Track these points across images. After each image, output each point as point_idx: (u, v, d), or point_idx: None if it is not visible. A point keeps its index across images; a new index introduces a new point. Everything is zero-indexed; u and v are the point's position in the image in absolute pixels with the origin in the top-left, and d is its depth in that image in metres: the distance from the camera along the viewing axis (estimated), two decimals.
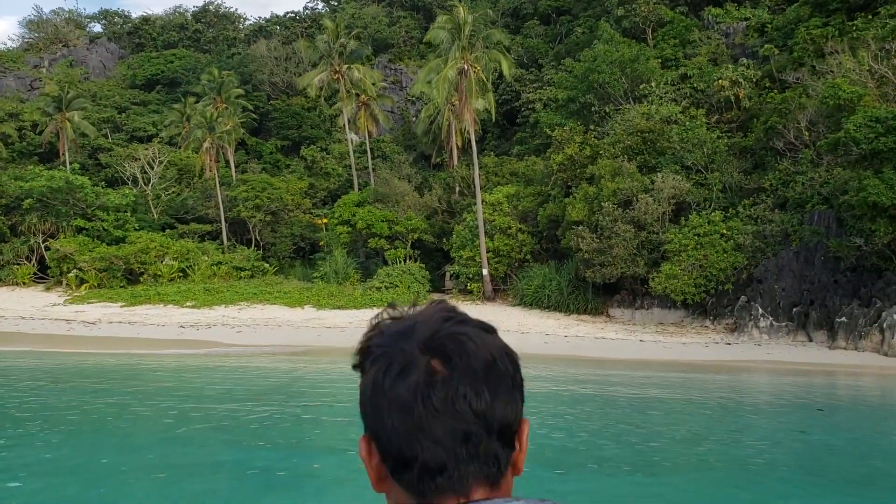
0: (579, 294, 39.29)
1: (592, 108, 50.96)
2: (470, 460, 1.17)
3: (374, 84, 59.58)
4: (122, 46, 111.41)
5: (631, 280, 38.21)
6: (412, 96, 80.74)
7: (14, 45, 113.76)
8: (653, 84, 49.48)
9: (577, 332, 34.19)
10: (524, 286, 41.69)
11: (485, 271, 44.03)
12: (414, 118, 72.40)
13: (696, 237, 35.36)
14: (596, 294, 39.21)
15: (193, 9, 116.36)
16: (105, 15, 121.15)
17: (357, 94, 61.21)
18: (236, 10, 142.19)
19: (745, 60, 49.25)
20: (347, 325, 36.97)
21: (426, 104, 60.51)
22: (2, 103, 76.79)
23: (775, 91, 44.39)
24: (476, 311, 35.39)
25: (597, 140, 43.90)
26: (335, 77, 54.16)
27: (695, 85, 49.66)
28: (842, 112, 35.44)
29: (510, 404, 1.21)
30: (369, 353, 1.25)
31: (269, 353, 29.71)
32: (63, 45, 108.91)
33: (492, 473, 1.19)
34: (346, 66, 54.26)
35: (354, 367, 1.27)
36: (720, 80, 47.01)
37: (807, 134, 37.85)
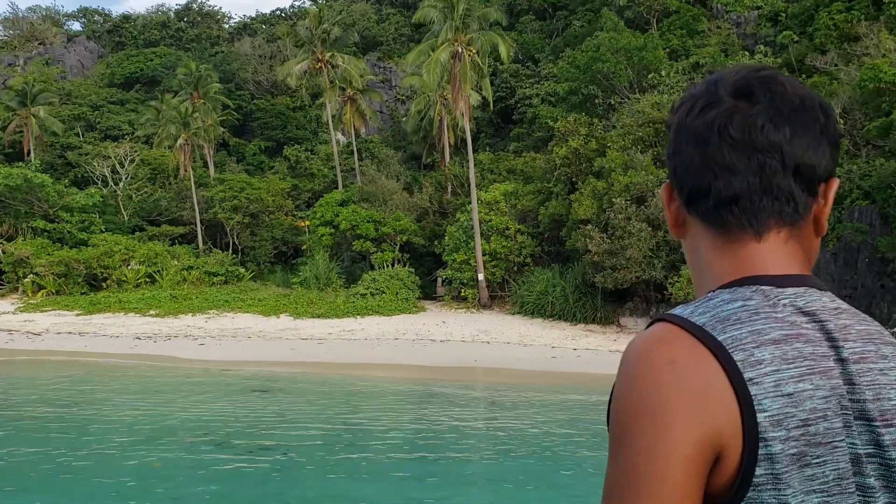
0: (587, 301, 35.13)
1: (597, 100, 47.02)
2: (763, 193, 1.17)
3: (361, 76, 55.38)
4: (102, 45, 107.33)
5: (644, 286, 34.12)
6: (401, 95, 76.84)
7: None
8: (662, 73, 45.57)
9: (586, 344, 30.01)
10: (524, 292, 37.51)
11: (480, 276, 39.85)
12: (404, 117, 68.36)
13: None
14: (605, 301, 35.08)
15: (176, 7, 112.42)
16: (85, 13, 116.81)
17: (343, 88, 57.13)
18: (220, 8, 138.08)
19: (762, 47, 45.40)
20: (326, 336, 32.75)
21: (417, 98, 56.46)
22: None
23: (801, 79, 40.49)
24: (471, 320, 30.92)
25: (604, 132, 39.89)
26: (317, 66, 49.91)
27: (707, 75, 45.79)
28: (882, 97, 31.56)
29: (814, 148, 1.18)
30: (682, 103, 1.27)
31: (223, 369, 25.45)
32: (39, 44, 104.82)
33: (786, 212, 1.19)
34: (328, 54, 50.02)
35: (667, 126, 1.29)
36: None
37: (841, 122, 33.87)
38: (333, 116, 57.42)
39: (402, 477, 12.40)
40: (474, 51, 38.21)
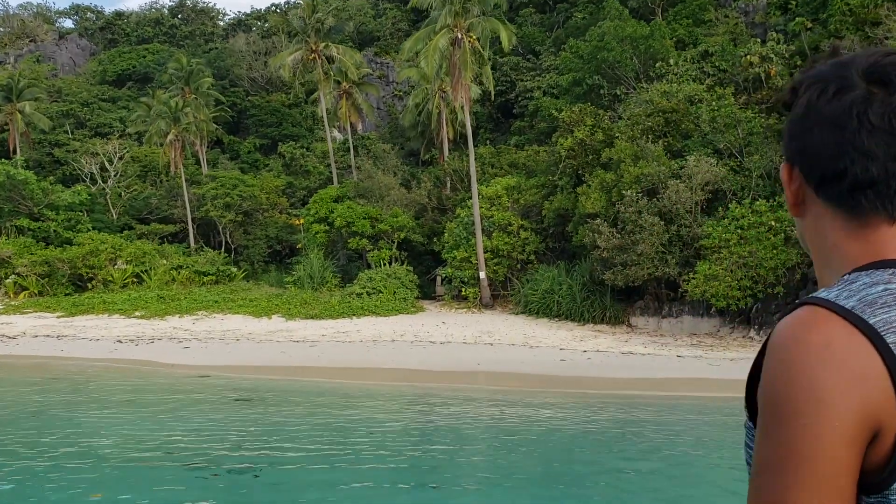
0: (595, 300, 33.18)
1: (602, 91, 45.12)
2: None
3: (356, 68, 53.40)
4: (95, 43, 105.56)
5: (656, 283, 32.20)
6: (399, 91, 74.95)
7: None
8: (671, 62, 43.69)
9: (596, 345, 28.08)
10: (529, 291, 35.57)
11: (482, 274, 37.94)
12: (401, 114, 66.42)
13: (738, 230, 29.38)
14: (615, 300, 33.15)
15: (170, 3, 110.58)
16: (77, 10, 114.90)
17: (338, 82, 55.20)
18: (215, 4, 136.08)
19: (774, 34, 43.46)
20: (320, 338, 30.81)
21: (414, 91, 54.54)
22: None
23: None
24: (473, 320, 28.61)
25: (611, 123, 38.00)
26: (311, 57, 47.91)
27: (717, 64, 43.98)
28: None
29: None
30: (803, 83, 1.26)
31: (199, 374, 23.52)
32: (30, 41, 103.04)
33: None
34: (322, 44, 48.02)
35: (784, 104, 1.30)
36: (748, 57, 41.24)
37: None
38: (328, 111, 55.52)
39: None
40: (475, 37, 36.26)
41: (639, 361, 25.08)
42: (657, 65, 43.91)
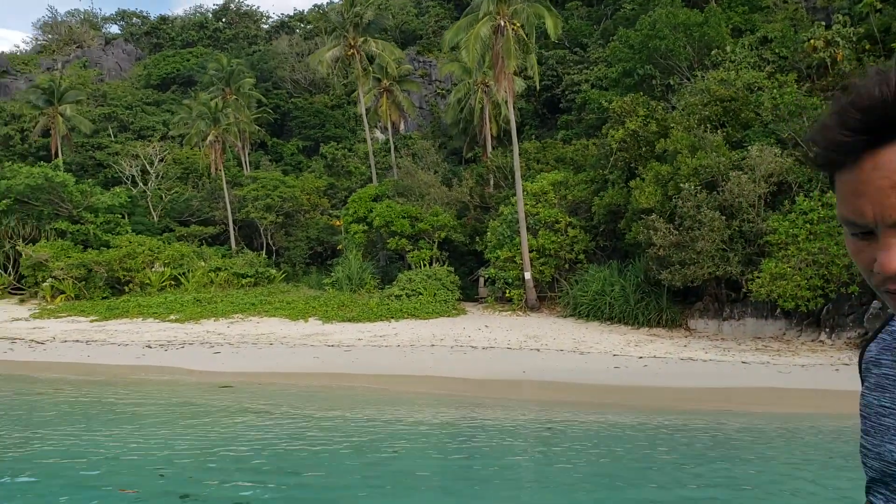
0: (650, 301, 30.91)
1: (654, 81, 42.80)
2: None
3: (396, 65, 51.79)
4: (140, 47, 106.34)
5: (716, 283, 29.84)
6: (441, 89, 73.34)
7: (27, 48, 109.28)
8: (727, 49, 41.17)
9: (652, 351, 25.88)
10: (578, 293, 33.44)
11: (527, 275, 35.92)
12: (444, 111, 64.72)
13: (807, 225, 26.91)
14: (671, 301, 30.86)
15: (214, 7, 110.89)
16: (123, 15, 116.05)
17: (378, 79, 53.73)
18: (258, 7, 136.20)
19: (839, 17, 40.63)
20: (356, 342, 29.16)
21: (456, 86, 52.78)
22: (7, 105, 70.98)
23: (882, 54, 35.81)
24: (518, 323, 26.05)
25: (664, 114, 35.68)
26: (349, 52, 46.40)
27: (777, 50, 41.33)
28: None
29: None
30: None
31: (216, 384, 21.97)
32: (77, 47, 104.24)
33: None
34: (361, 39, 46.48)
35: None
36: (812, 41, 38.57)
37: None
38: (368, 110, 54.06)
39: None
40: (518, 24, 34.28)
41: (700, 368, 22.85)
42: (712, 52, 41.46)
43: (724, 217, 28.17)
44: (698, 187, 28.73)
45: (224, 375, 23.09)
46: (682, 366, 23.15)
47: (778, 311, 28.33)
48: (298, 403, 18.42)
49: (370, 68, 49.63)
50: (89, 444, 12.75)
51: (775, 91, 33.73)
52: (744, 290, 28.04)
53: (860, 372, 1.38)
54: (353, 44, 46.89)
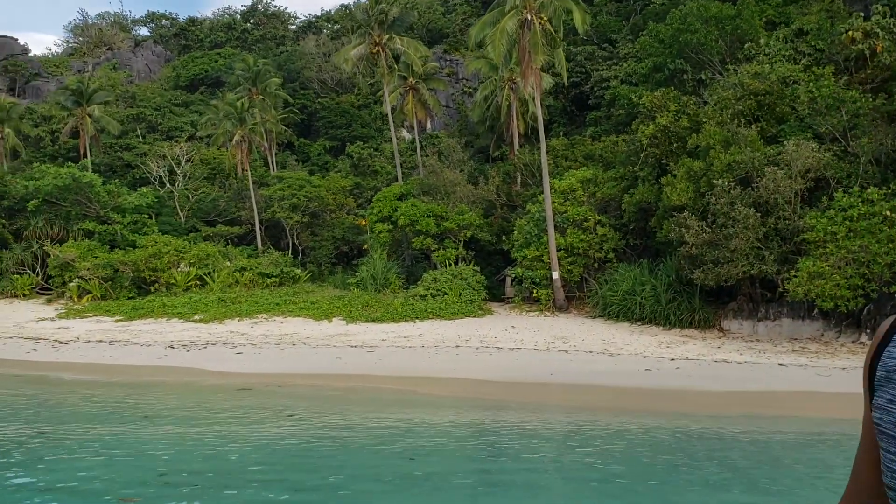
0: (682, 302, 30.01)
1: (685, 76, 41.79)
2: None
3: (422, 63, 51.23)
4: (169, 49, 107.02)
5: (750, 282, 28.88)
6: (468, 87, 72.64)
7: (58, 51, 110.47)
8: (761, 42, 40.07)
9: (685, 352, 25.03)
10: (607, 292, 32.62)
11: (555, 274, 35.15)
12: (471, 109, 64.08)
13: (847, 222, 25.88)
14: (704, 301, 29.93)
15: (242, 8, 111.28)
16: (152, 18, 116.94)
17: (404, 77, 53.22)
18: (286, 8, 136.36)
19: (879, 7, 39.33)
20: (380, 342, 28.63)
21: (483, 84, 52.08)
22: (38, 107, 71.69)
23: None
24: (545, 324, 24.93)
25: (697, 109, 34.73)
26: (374, 50, 45.92)
27: (812, 43, 40.12)
28: None
29: None
30: None
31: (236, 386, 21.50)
32: (107, 49, 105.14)
33: None
34: (386, 36, 45.98)
35: None
36: (850, 33, 37.33)
37: None
38: (394, 108, 53.57)
39: None
40: (545, 18, 33.53)
41: (735, 371, 21.97)
42: (746, 46, 40.38)
43: (758, 214, 27.22)
44: (732, 183, 27.81)
45: (244, 377, 22.67)
46: (716, 368, 22.29)
47: (815, 311, 27.35)
48: (315, 407, 17.89)
49: (395, 66, 49.12)
50: (93, 449, 12.30)
51: (812, 84, 32.65)
52: (780, 289, 27.09)
53: (869, 380, 1.21)
54: (377, 41, 46.44)
